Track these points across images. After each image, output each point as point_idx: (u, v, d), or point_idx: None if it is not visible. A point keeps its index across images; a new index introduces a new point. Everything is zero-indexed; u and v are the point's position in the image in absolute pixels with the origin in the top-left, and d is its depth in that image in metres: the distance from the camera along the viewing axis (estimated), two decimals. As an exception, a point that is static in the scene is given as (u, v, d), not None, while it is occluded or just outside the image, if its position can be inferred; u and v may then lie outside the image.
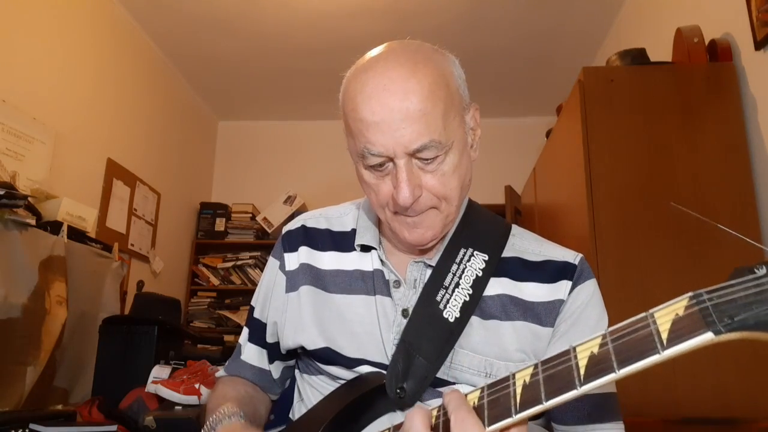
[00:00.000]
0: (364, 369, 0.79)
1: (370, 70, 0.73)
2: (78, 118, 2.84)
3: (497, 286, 0.81)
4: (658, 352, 0.46)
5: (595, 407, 0.77)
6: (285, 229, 0.95)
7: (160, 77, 3.76)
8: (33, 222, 2.07)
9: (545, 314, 0.79)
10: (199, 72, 3.97)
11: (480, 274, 0.80)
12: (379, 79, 0.71)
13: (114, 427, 1.67)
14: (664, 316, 0.48)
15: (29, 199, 2.08)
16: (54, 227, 2.25)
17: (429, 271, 0.82)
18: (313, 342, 0.83)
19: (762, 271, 0.44)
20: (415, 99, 0.69)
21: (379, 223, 0.89)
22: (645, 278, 1.67)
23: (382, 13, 3.21)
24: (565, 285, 0.81)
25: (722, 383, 1.57)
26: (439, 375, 0.76)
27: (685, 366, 1.59)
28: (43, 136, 2.53)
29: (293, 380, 0.98)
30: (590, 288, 0.82)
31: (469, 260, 0.81)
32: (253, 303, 0.97)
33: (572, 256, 0.84)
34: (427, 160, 0.72)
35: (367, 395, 0.75)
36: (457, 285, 0.79)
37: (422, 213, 0.75)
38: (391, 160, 0.72)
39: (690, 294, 0.47)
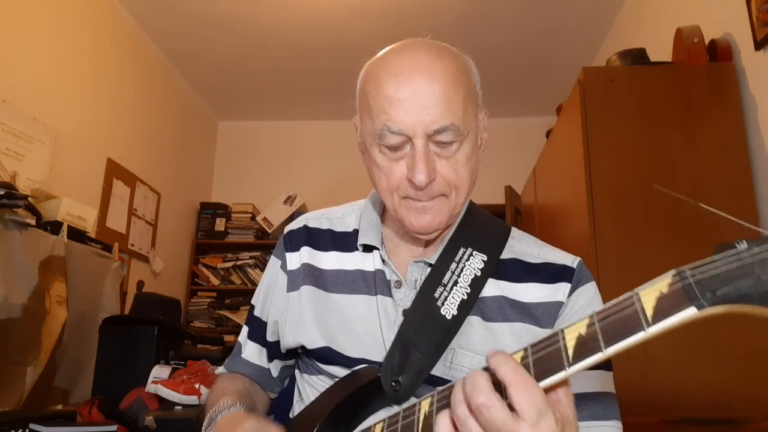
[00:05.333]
0: None
1: (396, 51, 0.76)
2: (78, 118, 2.84)
3: (495, 288, 0.82)
4: (644, 329, 0.47)
5: (593, 406, 0.77)
6: (287, 228, 0.95)
7: (159, 77, 3.76)
8: (33, 222, 2.07)
9: (543, 316, 0.80)
10: (199, 72, 3.97)
11: (478, 274, 0.80)
12: (406, 59, 0.73)
13: (114, 427, 1.67)
14: (649, 294, 0.48)
15: (29, 199, 2.08)
16: (54, 227, 2.26)
17: (429, 270, 0.82)
18: (313, 341, 0.83)
19: (743, 246, 0.45)
20: (441, 81, 0.71)
21: (381, 223, 0.89)
22: (645, 278, 1.65)
23: (382, 13, 3.21)
24: (564, 287, 0.81)
25: (722, 383, 1.57)
26: (439, 374, 0.77)
27: (685, 366, 1.60)
28: (43, 136, 2.53)
29: (293, 380, 0.98)
30: (591, 291, 0.82)
31: (468, 260, 0.82)
32: (253, 302, 0.98)
33: (570, 260, 0.84)
34: (444, 144, 0.73)
35: (362, 390, 0.75)
36: (456, 283, 0.79)
37: (433, 198, 0.76)
38: (409, 140, 0.73)
39: (673, 271, 0.48)
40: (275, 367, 0.96)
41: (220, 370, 0.99)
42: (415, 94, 0.71)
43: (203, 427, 0.79)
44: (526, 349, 0.55)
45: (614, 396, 0.79)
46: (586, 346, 0.50)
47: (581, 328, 0.51)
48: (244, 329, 0.98)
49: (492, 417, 0.49)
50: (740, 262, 0.45)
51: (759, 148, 1.76)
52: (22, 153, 2.39)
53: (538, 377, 0.51)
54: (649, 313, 0.47)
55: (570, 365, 0.50)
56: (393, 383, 0.74)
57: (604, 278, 1.67)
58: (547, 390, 0.52)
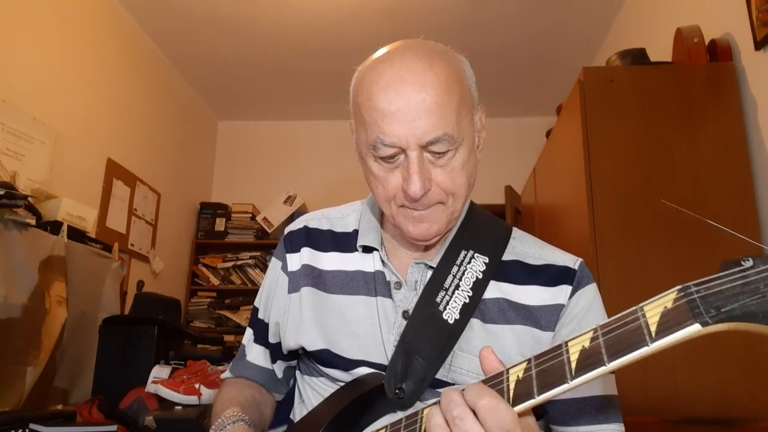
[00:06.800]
0: (363, 371, 0.80)
1: (387, 61, 0.74)
2: (78, 118, 2.84)
3: (496, 290, 0.81)
4: (647, 345, 0.47)
5: (596, 409, 0.78)
6: (287, 229, 0.95)
7: (160, 77, 3.76)
8: (33, 222, 2.07)
9: (545, 318, 0.79)
10: (199, 72, 3.97)
11: (480, 277, 0.80)
12: (397, 70, 0.72)
13: (114, 427, 1.67)
14: (653, 309, 0.48)
15: (29, 199, 2.08)
16: (54, 227, 2.25)
17: (430, 273, 0.82)
18: (313, 343, 0.83)
19: (748, 264, 0.45)
20: (432, 92, 0.70)
21: (381, 224, 0.89)
22: (645, 278, 1.67)
23: (382, 13, 3.21)
24: (565, 290, 0.81)
25: (722, 383, 1.58)
26: (440, 377, 0.76)
27: (685, 366, 1.59)
28: (43, 136, 2.53)
29: (295, 381, 0.98)
30: (591, 293, 0.82)
31: (469, 262, 0.81)
32: (256, 303, 0.98)
33: (572, 261, 0.84)
34: (438, 153, 0.72)
35: (366, 396, 0.75)
36: (457, 287, 0.79)
37: (429, 207, 0.75)
38: (403, 151, 0.72)
39: (678, 287, 0.48)
40: (279, 368, 0.96)
41: (226, 375, 0.99)
42: (407, 106, 0.70)
43: None
44: (529, 361, 0.55)
45: (616, 398, 0.79)
46: (589, 359, 0.50)
47: (585, 342, 0.51)
48: (248, 332, 0.98)
49: (465, 428, 0.52)
50: (745, 280, 0.44)
51: (759, 148, 1.76)
52: (22, 153, 2.39)
53: (541, 389, 0.52)
54: (653, 328, 0.47)
55: (573, 378, 0.50)
56: (396, 390, 0.74)
57: (604, 278, 1.67)
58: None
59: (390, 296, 0.82)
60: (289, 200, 4.37)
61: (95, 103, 3.01)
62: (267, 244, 4.27)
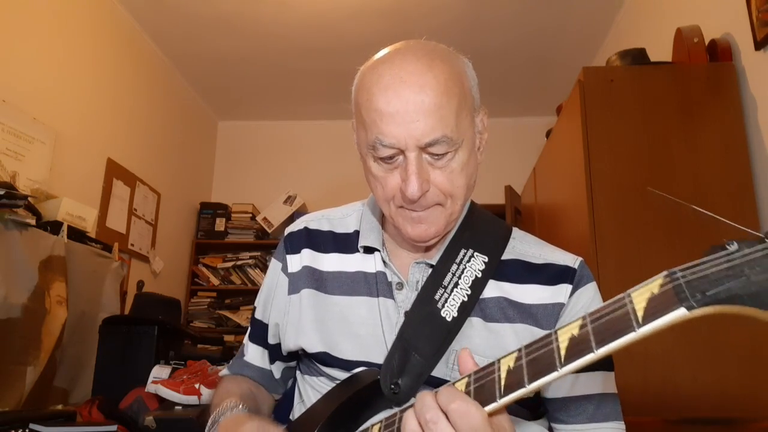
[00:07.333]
0: None
1: (387, 62, 0.74)
2: (78, 118, 2.84)
3: (496, 289, 0.81)
4: (634, 330, 0.47)
5: (596, 407, 0.78)
6: (287, 230, 0.95)
7: (159, 77, 3.76)
8: (33, 222, 2.07)
9: (544, 317, 0.80)
10: (199, 72, 3.97)
11: (479, 275, 0.80)
12: (396, 71, 0.72)
13: (114, 427, 1.67)
14: (640, 295, 0.49)
15: (29, 199, 2.08)
16: (54, 227, 2.26)
17: (430, 272, 0.82)
18: (312, 345, 0.83)
19: (733, 247, 0.45)
20: (431, 93, 0.70)
21: (382, 224, 0.89)
22: (645, 278, 1.66)
23: (382, 13, 3.21)
24: (565, 289, 0.81)
25: (722, 383, 1.58)
26: (441, 375, 0.76)
27: (685, 365, 1.60)
28: (43, 136, 2.53)
29: (294, 381, 0.98)
30: (591, 291, 0.82)
31: (469, 261, 0.81)
32: (255, 303, 0.98)
33: (572, 260, 0.84)
34: (437, 155, 0.73)
35: (362, 392, 0.75)
36: (456, 285, 0.79)
37: (428, 209, 0.76)
38: (402, 152, 0.72)
39: (665, 272, 0.48)
40: (277, 369, 0.96)
41: (224, 372, 0.99)
42: (405, 107, 0.70)
43: (206, 429, 0.80)
44: (520, 350, 0.56)
45: (616, 396, 0.80)
46: (578, 347, 0.50)
47: (574, 330, 0.52)
48: (249, 330, 0.98)
49: None
50: (730, 263, 0.45)
51: (759, 148, 1.76)
52: (22, 153, 2.39)
53: (532, 378, 0.52)
54: (640, 314, 0.47)
55: (562, 366, 0.51)
56: (392, 386, 0.74)
57: (604, 278, 1.67)
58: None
59: (392, 297, 0.82)
60: (289, 200, 4.37)
61: (95, 103, 3.01)
62: (267, 244, 4.28)
